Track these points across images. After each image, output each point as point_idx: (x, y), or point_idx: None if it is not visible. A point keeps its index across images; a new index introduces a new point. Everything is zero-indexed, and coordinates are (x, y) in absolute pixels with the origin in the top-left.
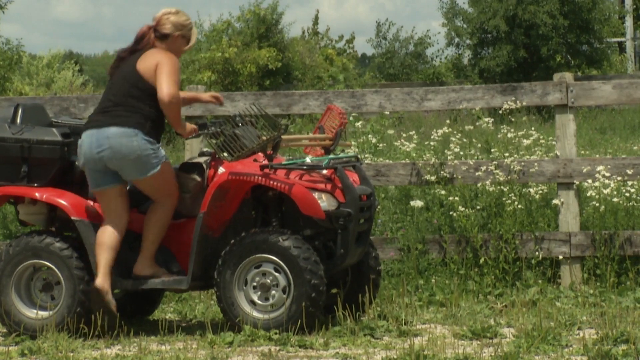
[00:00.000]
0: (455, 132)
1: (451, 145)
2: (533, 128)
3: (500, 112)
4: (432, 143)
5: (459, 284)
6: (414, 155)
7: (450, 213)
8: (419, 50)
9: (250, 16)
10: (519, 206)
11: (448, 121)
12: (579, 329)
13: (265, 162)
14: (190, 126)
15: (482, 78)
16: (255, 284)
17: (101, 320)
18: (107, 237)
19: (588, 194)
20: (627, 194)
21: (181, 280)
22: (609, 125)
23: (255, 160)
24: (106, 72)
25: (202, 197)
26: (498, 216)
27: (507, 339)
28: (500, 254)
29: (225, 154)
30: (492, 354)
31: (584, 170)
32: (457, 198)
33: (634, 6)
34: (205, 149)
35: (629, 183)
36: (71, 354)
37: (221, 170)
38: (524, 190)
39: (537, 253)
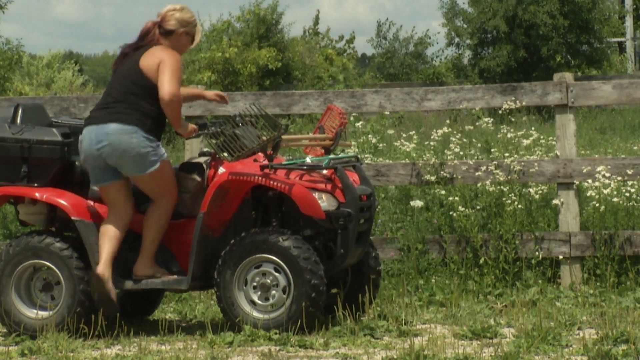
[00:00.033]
0: (455, 132)
1: (451, 145)
2: (533, 128)
3: (500, 112)
4: (432, 143)
5: (459, 284)
6: (414, 155)
7: (450, 213)
8: (419, 50)
9: (250, 16)
10: (519, 206)
11: (448, 121)
12: (579, 329)
13: (266, 162)
14: (190, 126)
15: (482, 78)
16: (255, 284)
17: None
18: (110, 228)
19: (588, 194)
20: (627, 194)
21: (181, 280)
22: (609, 125)
23: (255, 160)
24: (111, 67)
25: (202, 197)
26: (498, 216)
27: (507, 339)
28: (500, 254)
29: (225, 154)
30: (492, 354)
31: (584, 170)
32: (457, 198)
33: (634, 6)
34: (205, 149)
35: (629, 183)
36: (71, 354)
37: (221, 170)
38: (524, 190)
39: (537, 253)
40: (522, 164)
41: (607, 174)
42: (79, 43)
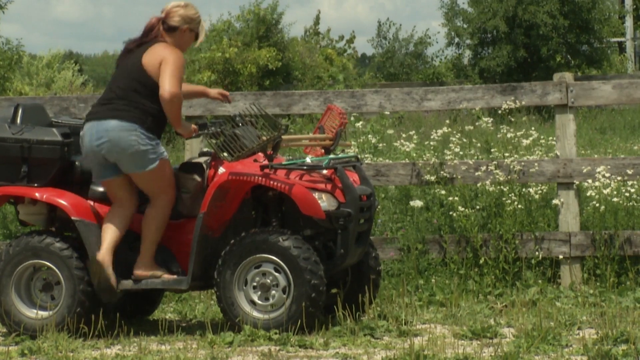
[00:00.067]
0: (455, 132)
1: (451, 145)
2: (533, 128)
3: (500, 112)
4: (432, 143)
5: (459, 284)
6: (414, 155)
7: (450, 213)
8: (418, 50)
9: (250, 16)
10: (519, 206)
11: (448, 121)
12: (579, 329)
13: (266, 162)
14: (190, 126)
15: (482, 78)
16: (255, 284)
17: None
18: (113, 219)
19: (588, 194)
20: (627, 194)
21: (181, 280)
22: (609, 125)
23: (255, 160)
24: (114, 62)
25: (202, 197)
26: (498, 216)
27: (507, 339)
28: (500, 254)
29: (225, 154)
30: (492, 354)
31: (584, 170)
32: (457, 198)
33: (634, 6)
34: (205, 149)
35: (629, 183)
36: (71, 354)
37: (221, 170)
38: (524, 190)
39: (537, 253)
40: (522, 164)
41: (607, 174)
42: (79, 43)
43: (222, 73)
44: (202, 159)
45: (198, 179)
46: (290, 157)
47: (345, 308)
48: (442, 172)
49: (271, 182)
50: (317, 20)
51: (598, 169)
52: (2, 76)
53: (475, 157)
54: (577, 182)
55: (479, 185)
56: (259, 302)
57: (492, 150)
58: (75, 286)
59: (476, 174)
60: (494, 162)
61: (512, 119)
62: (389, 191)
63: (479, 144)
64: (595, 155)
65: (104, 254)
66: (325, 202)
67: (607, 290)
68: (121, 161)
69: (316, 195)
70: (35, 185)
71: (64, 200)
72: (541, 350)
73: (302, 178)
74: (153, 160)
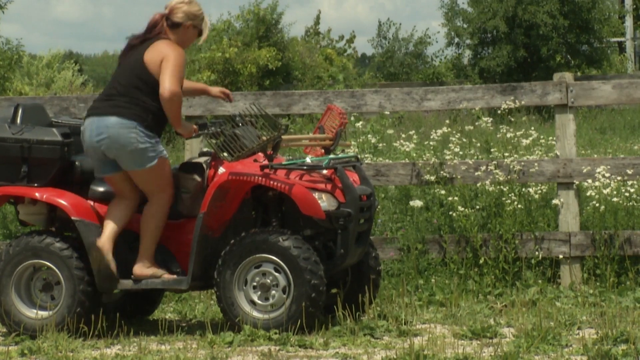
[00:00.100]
0: (454, 132)
1: (451, 145)
2: (533, 128)
3: (499, 112)
4: (431, 143)
5: (458, 284)
6: (414, 155)
7: (450, 213)
8: (418, 50)
9: (250, 16)
10: (519, 206)
11: (448, 121)
12: (579, 329)
13: (266, 162)
14: (190, 126)
15: (482, 78)
16: (255, 284)
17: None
18: (115, 209)
19: (588, 194)
20: (627, 194)
21: (181, 280)
22: (609, 125)
23: (255, 160)
24: (118, 58)
25: (202, 197)
26: (498, 216)
27: (507, 339)
28: (500, 254)
29: (225, 154)
30: (492, 354)
31: (584, 170)
32: (456, 198)
33: (634, 6)
34: (205, 149)
35: (629, 183)
36: (71, 354)
37: (221, 170)
38: (523, 190)
39: (537, 253)
40: (522, 163)
41: (607, 174)
42: (79, 43)
43: (222, 73)
44: (202, 159)
45: (198, 179)
46: (290, 157)
47: (345, 308)
48: (442, 172)
49: (271, 182)
50: (317, 20)
51: (598, 169)
52: (2, 76)
53: (475, 157)
54: (577, 182)
55: (478, 185)
56: (259, 302)
57: (492, 150)
58: (75, 286)
59: (476, 173)
60: (494, 162)
61: (512, 119)
62: (389, 191)
63: (478, 144)
64: (595, 155)
65: (105, 240)
66: (325, 202)
67: (607, 290)
68: (120, 158)
69: (316, 195)
70: (35, 185)
71: (64, 200)
72: (541, 350)
73: (302, 178)
74: (152, 158)
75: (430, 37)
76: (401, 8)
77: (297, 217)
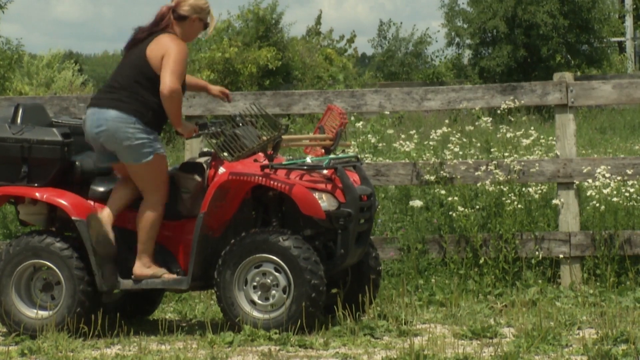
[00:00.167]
0: (454, 132)
1: (451, 145)
2: (532, 128)
3: (499, 112)
4: (431, 143)
5: (458, 284)
6: (414, 155)
7: (450, 213)
8: (418, 50)
9: (250, 16)
10: (519, 206)
11: (448, 121)
12: (579, 328)
13: (266, 162)
14: (190, 126)
15: (482, 78)
16: (255, 283)
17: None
18: (120, 188)
19: (588, 194)
20: (627, 194)
21: (181, 280)
22: (609, 125)
23: (255, 160)
24: (121, 52)
25: (202, 197)
26: (498, 216)
27: (507, 339)
28: (500, 253)
29: (225, 154)
30: (492, 354)
31: (584, 170)
32: (456, 198)
33: (634, 6)
34: (205, 149)
35: (629, 183)
36: (71, 354)
37: (221, 170)
38: (523, 190)
39: (537, 253)
40: (522, 163)
41: (607, 174)
42: (79, 43)
43: (222, 73)
44: (202, 159)
45: (198, 179)
46: (291, 157)
47: (345, 308)
48: (442, 172)
49: (271, 182)
50: (318, 20)
51: (598, 169)
52: (2, 76)
53: (475, 157)
54: (577, 182)
55: (478, 185)
56: (259, 302)
57: (492, 150)
58: (75, 286)
59: (476, 173)
60: (494, 162)
61: (512, 119)
62: (389, 191)
63: (478, 144)
64: (595, 155)
65: (105, 213)
66: (325, 202)
67: (607, 290)
68: (117, 151)
69: (316, 195)
70: (36, 185)
71: (64, 200)
72: (541, 350)
73: (303, 178)
74: (148, 154)
75: (430, 37)
76: (401, 8)
77: (298, 217)
